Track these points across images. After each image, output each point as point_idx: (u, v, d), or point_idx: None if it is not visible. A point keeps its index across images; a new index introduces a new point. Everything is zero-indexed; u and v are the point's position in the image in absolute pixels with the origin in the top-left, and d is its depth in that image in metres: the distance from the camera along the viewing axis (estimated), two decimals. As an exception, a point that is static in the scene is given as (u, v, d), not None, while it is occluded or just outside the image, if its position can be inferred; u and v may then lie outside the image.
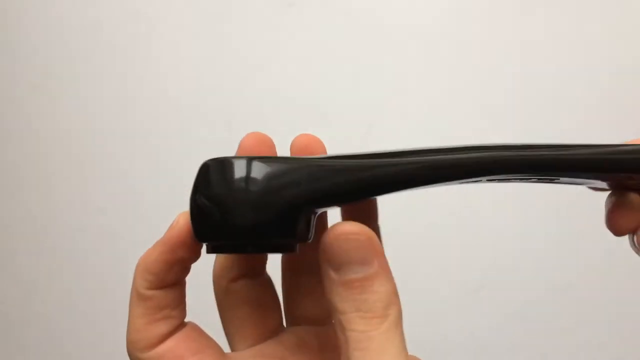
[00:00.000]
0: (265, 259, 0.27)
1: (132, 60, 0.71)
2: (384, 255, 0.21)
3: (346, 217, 0.26)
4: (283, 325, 0.27)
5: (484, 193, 0.62)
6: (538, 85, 0.63)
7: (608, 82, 0.62)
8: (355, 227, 0.21)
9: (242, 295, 0.25)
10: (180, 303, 0.24)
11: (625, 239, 0.27)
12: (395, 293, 0.21)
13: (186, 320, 0.24)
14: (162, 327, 0.23)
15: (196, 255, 0.23)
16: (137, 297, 0.23)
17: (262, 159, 0.21)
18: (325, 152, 0.25)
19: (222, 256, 0.25)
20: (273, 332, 0.26)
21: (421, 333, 0.64)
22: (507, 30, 0.64)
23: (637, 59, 0.62)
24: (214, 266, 0.26)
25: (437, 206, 0.64)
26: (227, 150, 0.72)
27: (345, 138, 0.65)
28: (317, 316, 0.27)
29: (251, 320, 0.25)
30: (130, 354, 0.23)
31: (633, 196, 0.26)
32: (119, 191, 0.70)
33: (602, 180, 0.25)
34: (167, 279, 0.23)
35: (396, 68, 0.66)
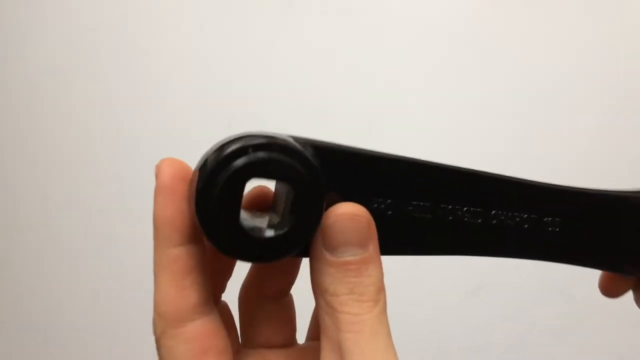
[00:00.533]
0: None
1: (131, 61, 0.71)
2: (377, 241, 0.21)
3: None
4: (242, 347, 0.26)
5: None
6: (540, 85, 0.63)
7: (609, 83, 0.62)
8: (357, 209, 0.21)
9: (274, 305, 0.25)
10: (205, 270, 0.22)
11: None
12: (383, 280, 0.21)
13: (218, 314, 0.23)
14: (193, 296, 0.21)
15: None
16: (162, 262, 0.21)
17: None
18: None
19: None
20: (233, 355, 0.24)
21: (421, 333, 0.64)
22: (509, 30, 0.64)
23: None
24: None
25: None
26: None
27: (345, 138, 0.65)
28: (276, 342, 0.26)
29: (271, 330, 0.25)
30: (159, 332, 0.21)
31: None
32: (117, 192, 0.70)
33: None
34: (184, 225, 0.21)
35: (396, 67, 0.66)
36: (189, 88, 0.69)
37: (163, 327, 0.21)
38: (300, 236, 0.21)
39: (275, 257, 0.21)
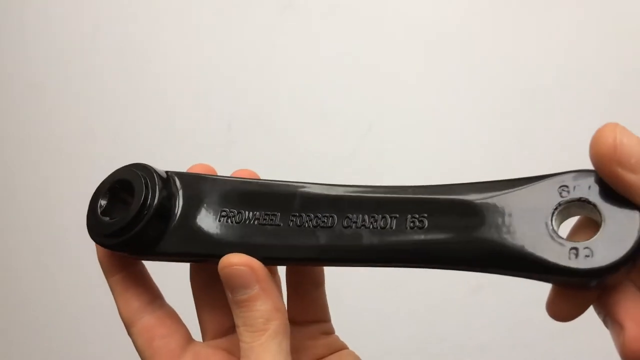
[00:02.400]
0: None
1: (132, 62, 0.71)
2: (265, 279, 0.26)
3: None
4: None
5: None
6: (540, 85, 0.63)
7: (611, 84, 0.62)
8: (237, 259, 0.26)
9: (213, 293, 0.30)
10: (145, 284, 0.29)
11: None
12: (276, 309, 0.26)
13: (169, 308, 0.30)
14: (134, 303, 0.29)
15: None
16: (110, 286, 0.29)
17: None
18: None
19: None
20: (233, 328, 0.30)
21: (421, 333, 0.64)
22: (509, 31, 0.64)
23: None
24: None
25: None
26: (226, 151, 0.73)
27: (345, 138, 0.65)
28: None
29: (216, 314, 0.30)
30: (128, 333, 0.29)
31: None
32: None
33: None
34: (115, 265, 0.29)
35: (396, 68, 0.66)
36: (189, 88, 0.69)
37: (126, 328, 0.29)
38: (127, 225, 0.27)
39: (114, 243, 0.27)
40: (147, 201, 0.27)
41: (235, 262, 0.26)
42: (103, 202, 0.28)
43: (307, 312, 0.31)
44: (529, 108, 0.63)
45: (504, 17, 0.64)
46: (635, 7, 0.61)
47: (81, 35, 0.72)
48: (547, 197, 0.21)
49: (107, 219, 0.27)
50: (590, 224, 0.21)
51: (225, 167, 0.69)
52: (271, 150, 0.67)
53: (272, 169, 0.68)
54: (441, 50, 0.65)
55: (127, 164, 0.29)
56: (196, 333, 0.31)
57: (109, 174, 0.29)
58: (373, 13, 0.66)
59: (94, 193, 0.29)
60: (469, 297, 0.64)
